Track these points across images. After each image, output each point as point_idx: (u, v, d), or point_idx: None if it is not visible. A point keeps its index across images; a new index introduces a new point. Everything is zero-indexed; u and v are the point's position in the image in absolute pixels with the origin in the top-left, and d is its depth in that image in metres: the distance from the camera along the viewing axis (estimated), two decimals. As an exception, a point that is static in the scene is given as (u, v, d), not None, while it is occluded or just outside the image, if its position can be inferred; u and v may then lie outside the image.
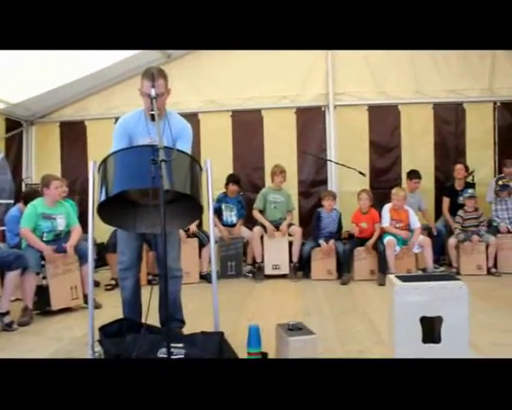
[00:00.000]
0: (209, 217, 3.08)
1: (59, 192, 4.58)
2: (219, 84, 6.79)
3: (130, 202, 2.83)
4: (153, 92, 2.62)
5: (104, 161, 2.59)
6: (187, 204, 2.73)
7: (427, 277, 2.52)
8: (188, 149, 3.07)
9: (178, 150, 2.66)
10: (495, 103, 6.79)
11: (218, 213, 6.07)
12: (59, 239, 4.52)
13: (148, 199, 2.40)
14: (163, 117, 2.97)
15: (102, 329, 2.77)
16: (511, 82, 6.73)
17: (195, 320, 3.53)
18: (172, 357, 2.29)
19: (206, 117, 6.90)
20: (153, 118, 2.58)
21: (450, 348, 2.17)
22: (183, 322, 3.30)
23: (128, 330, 2.81)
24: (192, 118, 6.80)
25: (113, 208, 2.70)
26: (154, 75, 2.75)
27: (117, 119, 3.26)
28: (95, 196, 2.74)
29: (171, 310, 3.11)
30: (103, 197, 2.53)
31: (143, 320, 3.10)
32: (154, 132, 2.90)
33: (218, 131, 6.85)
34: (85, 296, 4.39)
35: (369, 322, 3.73)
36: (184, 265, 5.42)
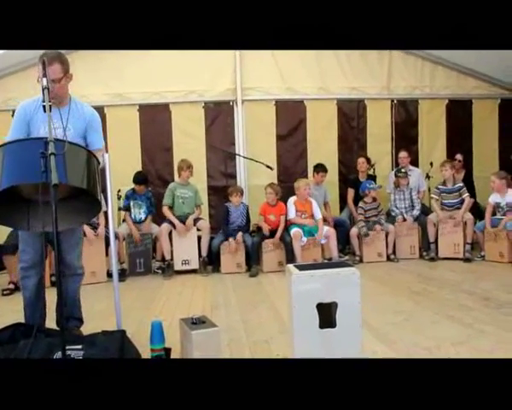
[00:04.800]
0: (108, 213, 2.98)
1: None
2: (126, 77, 6.59)
3: (24, 199, 2.67)
4: (44, 82, 2.46)
5: (-10, 156, 2.41)
6: (85, 200, 2.62)
7: (322, 265, 2.62)
8: (101, 139, 3.01)
9: (74, 144, 2.55)
10: (392, 101, 7.25)
11: (127, 209, 5.93)
12: None
13: (43, 196, 2.27)
14: (66, 104, 2.85)
15: (-9, 336, 2.58)
16: (406, 82, 7.24)
17: (101, 320, 3.42)
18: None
19: (113, 111, 6.65)
20: (45, 109, 2.42)
21: (344, 331, 2.28)
22: (81, 321, 3.19)
23: (23, 336, 2.65)
24: (97, 112, 6.54)
25: (3, 206, 2.53)
26: (45, 62, 2.56)
27: (15, 111, 3.04)
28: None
29: (70, 309, 3.00)
30: (-10, 194, 2.35)
31: (47, 324, 2.98)
32: (56, 120, 2.76)
33: (125, 126, 6.63)
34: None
35: (276, 312, 3.83)
36: (91, 264, 5.35)
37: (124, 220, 5.95)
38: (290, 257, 5.54)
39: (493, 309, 3.60)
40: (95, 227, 5.51)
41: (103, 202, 3.56)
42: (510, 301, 3.80)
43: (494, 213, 5.86)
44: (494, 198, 5.84)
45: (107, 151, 3.12)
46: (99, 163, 2.68)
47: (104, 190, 2.79)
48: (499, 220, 5.70)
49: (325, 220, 6.11)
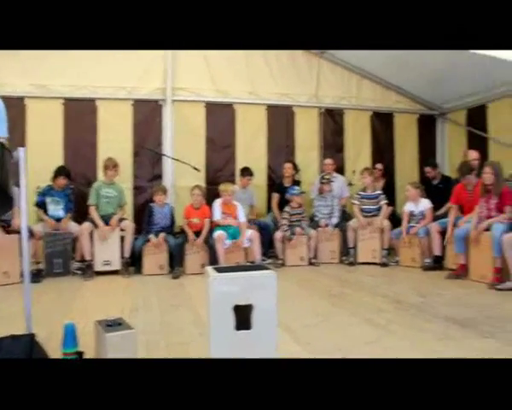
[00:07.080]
0: (21, 210, 2.83)
1: None
2: (51, 67, 6.29)
3: None
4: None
5: None
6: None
7: (241, 267, 2.65)
8: (5, 129, 2.83)
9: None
10: (320, 109, 7.46)
11: (42, 206, 5.67)
12: None
13: None
14: None
15: None
16: (333, 91, 7.50)
17: (12, 324, 3.23)
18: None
19: (35, 103, 6.35)
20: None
21: (260, 332, 2.32)
22: None
23: None
24: (17, 103, 6.23)
25: None
26: None
27: None
28: None
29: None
30: None
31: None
32: None
33: (47, 120, 6.37)
34: None
35: (197, 315, 3.81)
36: (3, 263, 5.07)
37: (42, 220, 5.68)
38: (213, 260, 5.54)
39: (403, 311, 3.82)
40: (8, 225, 5.22)
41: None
42: (418, 304, 4.04)
43: (409, 221, 6.18)
44: (409, 207, 6.17)
45: (25, 145, 2.97)
46: (12, 157, 2.55)
47: (18, 186, 2.66)
48: (412, 228, 6.02)
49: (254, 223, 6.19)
